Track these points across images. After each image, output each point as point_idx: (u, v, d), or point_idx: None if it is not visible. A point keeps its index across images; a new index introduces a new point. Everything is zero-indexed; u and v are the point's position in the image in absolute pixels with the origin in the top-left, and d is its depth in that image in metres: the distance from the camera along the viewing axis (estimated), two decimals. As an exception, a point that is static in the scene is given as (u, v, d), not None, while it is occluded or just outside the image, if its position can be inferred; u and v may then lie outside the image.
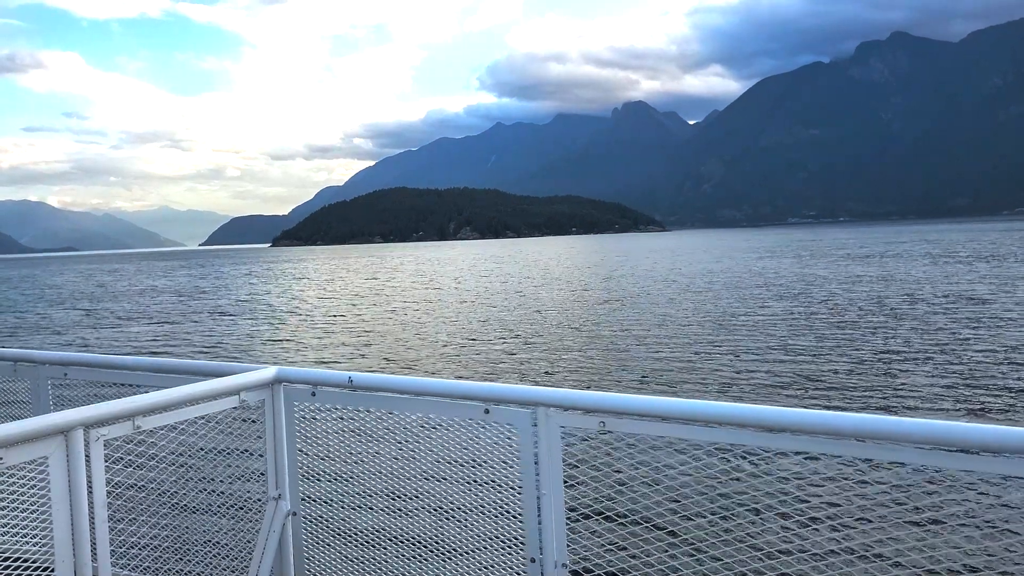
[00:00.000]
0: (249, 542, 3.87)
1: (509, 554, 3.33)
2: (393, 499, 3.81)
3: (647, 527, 3.61)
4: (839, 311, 33.36)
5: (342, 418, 3.84)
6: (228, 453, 3.86)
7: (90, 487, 3.15)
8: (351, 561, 3.81)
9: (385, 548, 3.72)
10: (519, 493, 3.29)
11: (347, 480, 3.89)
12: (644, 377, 20.02)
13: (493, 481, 3.36)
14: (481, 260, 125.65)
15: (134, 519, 3.57)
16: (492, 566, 3.38)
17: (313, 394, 3.83)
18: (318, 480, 3.92)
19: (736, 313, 33.98)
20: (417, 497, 3.73)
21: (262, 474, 3.91)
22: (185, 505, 3.82)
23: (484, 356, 24.79)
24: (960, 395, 16.57)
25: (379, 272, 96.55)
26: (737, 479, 3.51)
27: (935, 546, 2.98)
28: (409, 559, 3.63)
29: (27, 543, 3.03)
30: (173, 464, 3.64)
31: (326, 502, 3.91)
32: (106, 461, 3.24)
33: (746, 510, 3.77)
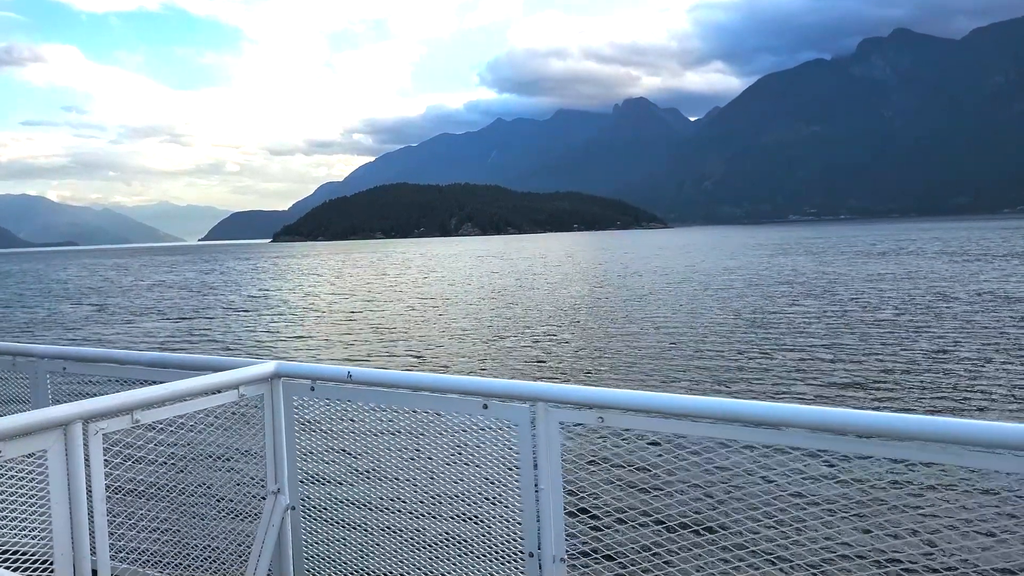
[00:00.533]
0: (248, 536, 3.86)
1: (507, 548, 3.34)
2: (391, 494, 3.82)
3: (644, 522, 3.63)
4: (843, 308, 33.15)
5: (341, 413, 3.84)
6: (227, 447, 3.85)
7: (89, 481, 3.14)
8: (350, 555, 3.82)
9: (383, 542, 3.73)
10: (517, 487, 3.30)
11: (346, 475, 3.90)
12: (643, 372, 19.95)
13: (491, 476, 3.37)
14: (482, 256, 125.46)
15: (132, 513, 3.57)
16: (490, 560, 3.40)
17: (312, 388, 3.84)
18: (317, 475, 3.93)
19: (740, 309, 33.87)
20: (415, 491, 3.74)
21: (261, 468, 3.91)
22: (184, 499, 3.82)
23: (483, 351, 24.75)
24: (977, 393, 16.36)
25: (379, 268, 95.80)
26: (735, 475, 3.52)
27: (932, 542, 3.00)
28: (407, 553, 3.65)
29: (26, 537, 3.02)
30: (172, 458, 3.64)
31: (325, 497, 3.91)
32: (105, 455, 3.24)
33: (743, 505, 3.76)
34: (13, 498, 2.97)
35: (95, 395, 3.33)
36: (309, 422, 3.91)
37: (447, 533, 3.53)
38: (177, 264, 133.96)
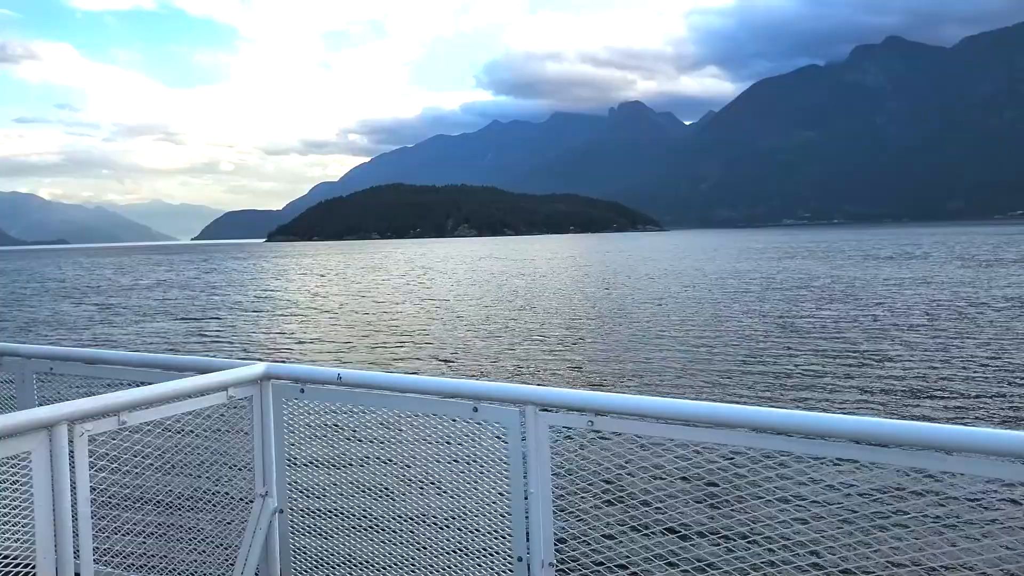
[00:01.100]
0: (235, 539, 3.81)
1: (496, 552, 3.32)
2: (380, 497, 3.77)
3: (634, 526, 3.61)
4: (839, 312, 33.21)
5: (331, 415, 3.80)
6: (215, 450, 3.80)
7: (73, 484, 3.09)
8: (338, 559, 3.78)
9: (372, 545, 3.69)
10: (507, 491, 3.27)
11: (335, 478, 3.86)
12: (635, 376, 19.84)
13: (481, 479, 3.35)
14: (477, 257, 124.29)
15: (118, 516, 3.50)
16: (479, 564, 3.37)
17: (302, 391, 3.79)
18: (306, 478, 3.88)
19: (735, 313, 33.87)
20: (404, 495, 3.71)
21: (249, 471, 3.86)
22: (170, 502, 3.76)
23: (474, 353, 24.62)
24: (968, 398, 16.43)
25: (373, 269, 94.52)
26: (725, 479, 3.52)
27: (920, 547, 2.99)
28: (396, 557, 3.60)
29: (8, 540, 2.97)
30: (158, 460, 3.57)
31: (313, 500, 3.86)
32: (90, 457, 3.19)
33: (732, 510, 3.72)
34: None
35: (82, 396, 3.28)
36: (298, 424, 3.86)
37: (436, 536, 3.50)
38: (169, 263, 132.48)
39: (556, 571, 3.24)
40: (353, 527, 3.76)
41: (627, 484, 3.74)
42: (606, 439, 3.28)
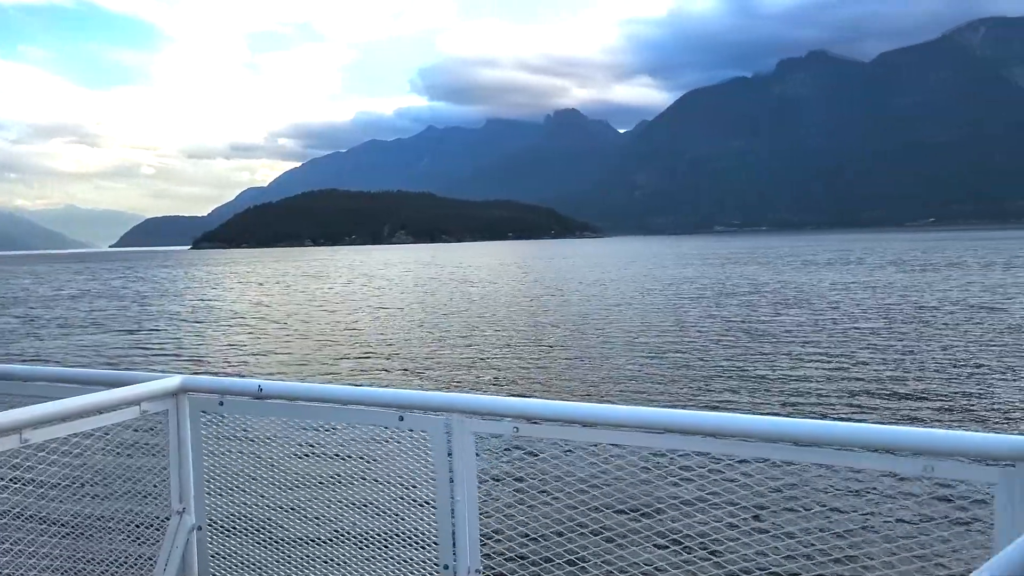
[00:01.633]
0: (150, 560, 3.64)
1: (422, 561, 3.28)
2: (304, 510, 3.72)
3: (559, 531, 3.61)
4: (762, 315, 34.67)
5: (252, 428, 3.70)
6: (127, 467, 3.65)
7: None
8: (260, 574, 3.68)
9: (296, 560, 3.61)
10: (432, 500, 3.26)
11: (257, 491, 3.76)
12: (560, 382, 20.20)
13: (406, 488, 3.33)
14: (412, 264, 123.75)
15: (20, 539, 3.31)
16: (405, 574, 3.34)
17: (221, 403, 3.67)
18: (226, 492, 3.75)
19: (658, 318, 34.96)
20: (329, 507, 3.66)
21: (165, 488, 3.70)
22: (78, 524, 3.57)
23: (399, 363, 24.65)
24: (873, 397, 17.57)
25: (302, 276, 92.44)
26: (648, 481, 3.54)
27: (824, 539, 3.11)
28: (320, 570, 3.54)
29: None
30: (65, 480, 3.39)
31: (234, 515, 3.74)
32: None
33: (653, 511, 3.77)
34: None
35: None
36: (217, 438, 3.73)
37: (361, 548, 3.46)
38: (84, 272, 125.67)
39: None
40: (276, 542, 3.69)
41: (552, 489, 3.76)
42: (531, 445, 3.30)
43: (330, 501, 3.65)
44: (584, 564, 3.31)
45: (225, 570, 3.74)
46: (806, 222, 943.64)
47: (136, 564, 3.62)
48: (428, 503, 3.26)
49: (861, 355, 23.45)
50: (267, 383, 3.58)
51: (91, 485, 3.56)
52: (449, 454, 3.19)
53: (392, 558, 3.36)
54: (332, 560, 3.51)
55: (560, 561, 3.37)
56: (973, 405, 16.74)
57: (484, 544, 3.23)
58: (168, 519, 3.70)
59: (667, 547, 3.41)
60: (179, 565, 3.67)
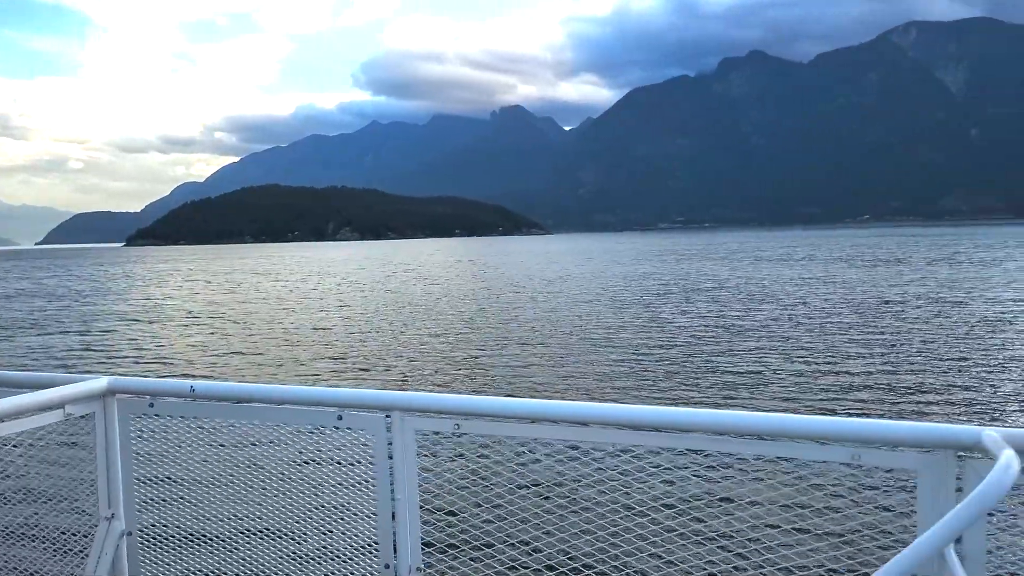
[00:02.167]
0: (78, 568, 3.53)
1: (363, 561, 3.26)
2: (241, 512, 3.58)
3: (500, 526, 3.62)
4: (701, 309, 35.85)
5: (184, 430, 3.58)
6: (51, 473, 3.54)
7: None
8: None
9: (232, 565, 3.51)
10: (373, 499, 3.22)
11: (190, 496, 3.64)
12: (501, 379, 20.38)
13: (346, 488, 3.29)
14: (355, 261, 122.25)
15: None
16: (346, 574, 3.31)
17: (151, 405, 3.55)
18: (157, 497, 3.64)
19: (598, 314, 35.37)
20: (267, 509, 3.56)
21: (93, 493, 3.58)
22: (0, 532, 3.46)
23: (339, 361, 24.30)
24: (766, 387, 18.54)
25: (240, 274, 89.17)
26: (588, 475, 3.51)
27: (756, 527, 3.17)
28: (259, 573, 3.47)
29: None
30: None
31: (166, 520, 3.61)
32: None
33: (593, 503, 3.74)
34: None
35: None
36: (148, 441, 3.59)
37: (301, 550, 3.41)
38: (7, 271, 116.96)
39: None
40: (210, 547, 3.58)
41: (494, 485, 3.76)
42: (473, 442, 3.33)
43: (267, 504, 3.55)
44: (527, 559, 3.34)
45: (158, 574, 3.61)
46: (747, 219, 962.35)
47: (64, 573, 3.51)
48: (368, 502, 3.22)
49: (802, 347, 24.41)
50: (200, 383, 3.49)
51: (13, 492, 3.46)
52: (390, 452, 3.15)
53: (332, 560, 3.31)
54: (270, 564, 3.45)
55: (502, 556, 3.38)
56: (902, 395, 17.51)
57: (426, 542, 3.21)
58: (96, 526, 3.57)
59: (606, 539, 3.34)
60: (109, 573, 3.54)
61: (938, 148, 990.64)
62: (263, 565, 3.46)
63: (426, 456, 3.27)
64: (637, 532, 3.25)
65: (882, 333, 27.19)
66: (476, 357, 24.22)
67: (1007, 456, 1.86)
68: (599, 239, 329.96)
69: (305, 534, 3.40)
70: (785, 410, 15.40)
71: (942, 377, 19.41)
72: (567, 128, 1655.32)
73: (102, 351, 28.25)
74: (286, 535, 3.45)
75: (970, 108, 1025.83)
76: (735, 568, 3.14)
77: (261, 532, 3.52)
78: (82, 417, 3.50)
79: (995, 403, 16.60)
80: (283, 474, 3.51)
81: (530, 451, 3.24)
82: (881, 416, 15.34)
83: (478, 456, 3.56)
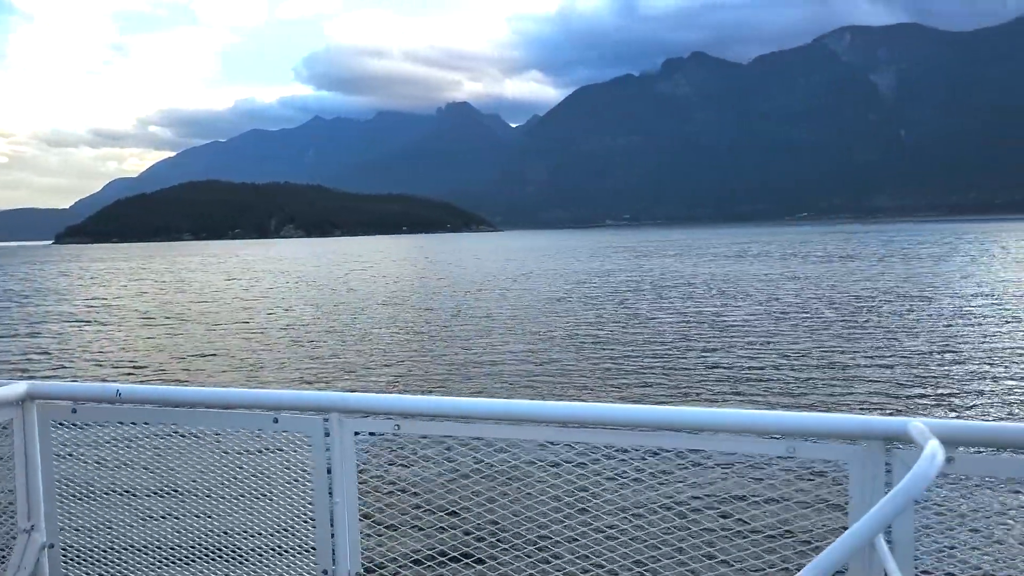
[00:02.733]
0: None
1: (301, 566, 3.18)
2: (171, 523, 3.41)
3: (441, 527, 3.63)
4: (637, 308, 35.86)
5: (110, 436, 3.42)
6: None
7: None
8: None
9: (163, 574, 3.38)
10: (310, 503, 3.15)
11: (116, 505, 3.47)
12: (441, 378, 20.27)
13: (284, 493, 3.20)
14: (295, 259, 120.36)
15: None
16: None
17: (74, 411, 3.38)
18: (81, 507, 3.45)
19: (536, 311, 35.47)
20: (198, 518, 3.41)
21: (11, 505, 3.39)
22: None
23: (275, 362, 23.73)
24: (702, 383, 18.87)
25: (174, 272, 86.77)
26: (530, 474, 3.52)
27: (698, 522, 3.21)
28: None
29: None
30: None
31: (90, 531, 3.45)
32: None
33: (535, 503, 3.72)
34: None
35: None
36: (71, 448, 3.43)
37: (236, 558, 3.31)
38: None
39: None
40: (140, 558, 3.42)
41: (434, 486, 3.71)
42: (414, 443, 3.26)
43: (199, 512, 3.39)
44: (467, 560, 3.30)
45: None
46: (692, 216, 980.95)
47: None
48: (306, 507, 3.16)
49: (745, 341, 24.99)
50: (126, 387, 3.33)
51: None
52: (328, 455, 3.09)
53: (269, 566, 3.23)
54: (202, 573, 3.34)
55: (443, 558, 3.34)
56: (840, 387, 17.97)
57: (365, 546, 3.17)
58: (15, 539, 3.41)
59: (548, 538, 3.35)
60: None
61: (870, 149, 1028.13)
62: (198, 572, 3.35)
63: (366, 457, 3.22)
64: (579, 530, 3.24)
65: (824, 326, 28.04)
66: (419, 356, 23.83)
67: (932, 446, 1.90)
68: (550, 236, 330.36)
69: (241, 542, 3.31)
70: (724, 404, 16.18)
71: (878, 368, 20.06)
72: (514, 125, 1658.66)
73: (22, 355, 26.70)
74: (220, 543, 3.35)
75: (900, 110, 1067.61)
76: (675, 563, 3.11)
77: (193, 541, 3.38)
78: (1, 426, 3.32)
79: (926, 393, 17.24)
80: (216, 481, 3.38)
81: (473, 451, 3.13)
82: (817, 409, 15.71)
83: (419, 457, 3.50)
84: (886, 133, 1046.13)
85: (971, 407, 16.01)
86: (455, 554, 3.33)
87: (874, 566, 2.01)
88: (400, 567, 3.36)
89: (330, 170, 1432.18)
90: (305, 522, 3.16)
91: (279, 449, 3.17)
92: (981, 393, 17.19)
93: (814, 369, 20.27)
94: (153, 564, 3.40)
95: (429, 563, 3.36)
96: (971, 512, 2.65)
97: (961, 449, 2.27)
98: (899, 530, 2.36)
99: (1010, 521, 3.11)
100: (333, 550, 3.11)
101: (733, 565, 3.00)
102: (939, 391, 17.43)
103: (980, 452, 2.37)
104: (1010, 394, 17.05)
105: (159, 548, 3.41)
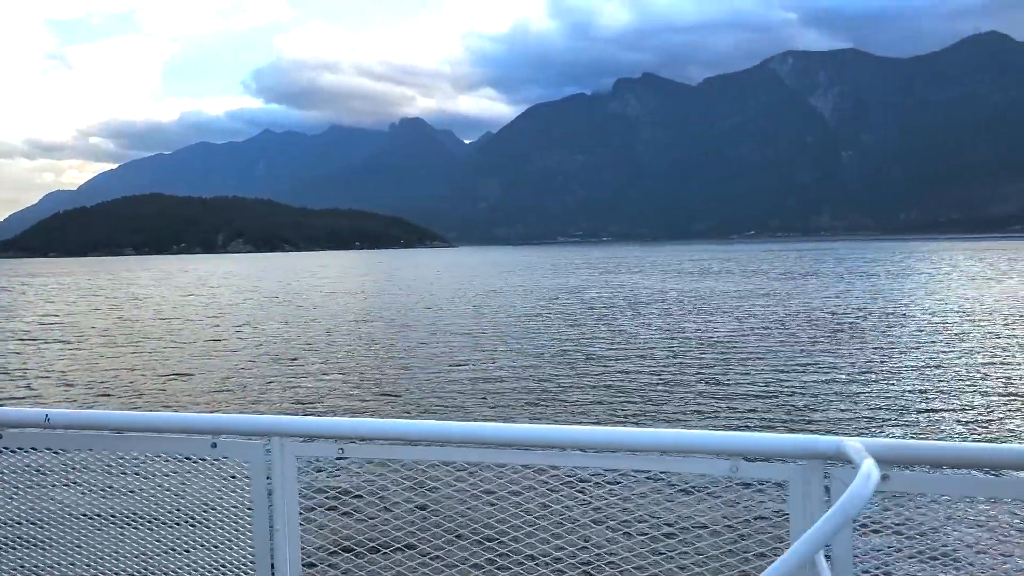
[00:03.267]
0: None
1: None
2: (105, 552, 3.25)
3: (386, 552, 3.52)
4: (583, 326, 35.86)
5: (39, 464, 3.23)
6: None
7: None
8: None
9: None
10: (250, 531, 3.04)
11: (46, 535, 3.28)
12: (385, 400, 20.07)
13: (222, 521, 3.08)
14: (242, 275, 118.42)
15: None
16: None
17: (0, 437, 3.20)
18: (6, 539, 3.30)
19: (485, 331, 34.95)
20: (134, 547, 3.25)
21: None
22: None
23: (215, 384, 23.11)
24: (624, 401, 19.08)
25: (113, 290, 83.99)
26: (476, 496, 3.47)
27: (643, 543, 3.21)
28: None
29: None
30: None
31: (18, 564, 3.29)
32: None
33: (481, 526, 3.67)
34: None
35: None
36: None
37: None
38: None
39: None
40: None
41: (379, 510, 3.62)
42: (358, 466, 3.30)
43: (134, 542, 3.23)
44: None
45: None
46: (643, 234, 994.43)
47: None
48: (245, 536, 3.06)
49: (692, 360, 25.11)
50: (56, 412, 3.17)
51: None
52: (269, 481, 2.99)
53: None
54: None
55: None
56: (783, 406, 18.17)
57: (307, 573, 3.10)
58: None
59: (495, 561, 3.29)
60: None
61: (813, 169, 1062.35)
62: None
63: (308, 483, 3.15)
64: (526, 553, 3.21)
65: (772, 345, 28.30)
66: (365, 377, 23.37)
67: (867, 465, 1.93)
68: (505, 252, 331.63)
69: (177, 572, 3.17)
70: (670, 424, 16.18)
71: (822, 387, 20.42)
72: (467, 142, 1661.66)
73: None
74: (157, 572, 3.20)
75: (840, 133, 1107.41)
76: None
77: (128, 571, 3.23)
78: None
79: (867, 411, 17.54)
80: (152, 509, 3.23)
81: (418, 475, 3.12)
82: (761, 428, 16.09)
83: (363, 480, 3.46)
84: (828, 154, 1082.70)
85: (910, 425, 16.28)
86: None
87: None
88: None
89: (280, 184, 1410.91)
90: (245, 550, 3.06)
91: (218, 475, 3.07)
92: (920, 411, 17.50)
93: (760, 387, 20.39)
94: None
95: None
96: (908, 528, 2.70)
97: (896, 467, 2.32)
98: (838, 547, 2.39)
99: (946, 536, 3.19)
100: None
101: None
102: (879, 409, 17.69)
103: (915, 470, 2.42)
104: (947, 412, 17.40)
105: None
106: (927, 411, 17.58)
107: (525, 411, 18.30)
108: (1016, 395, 19.03)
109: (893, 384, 20.65)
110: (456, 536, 3.79)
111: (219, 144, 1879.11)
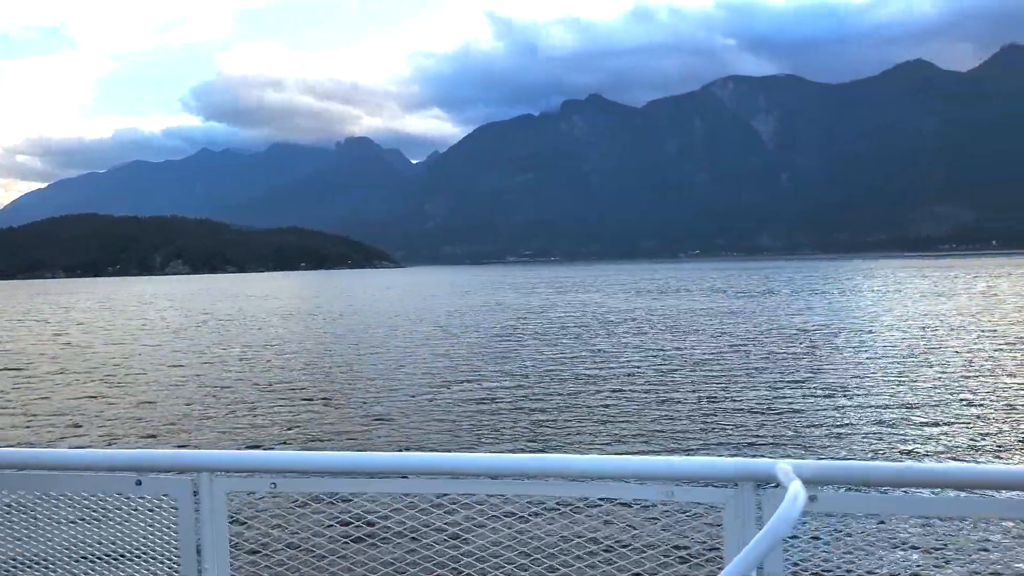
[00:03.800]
0: None
1: None
2: None
3: None
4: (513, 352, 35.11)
5: None
6: None
7: None
8: None
9: None
10: (178, 572, 2.88)
11: None
12: (319, 432, 19.71)
13: (148, 563, 2.91)
14: (176, 297, 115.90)
15: None
16: None
17: None
18: None
19: (425, 357, 34.12)
20: None
21: None
22: None
23: (138, 418, 22.52)
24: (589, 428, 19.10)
25: (29, 316, 79.79)
26: (415, 528, 3.41)
27: (582, 571, 3.13)
28: None
29: None
30: None
31: None
32: None
33: (419, 558, 3.62)
34: None
35: None
36: None
37: None
38: None
39: None
40: None
41: (314, 546, 3.58)
42: (292, 501, 3.09)
43: None
44: None
45: None
46: (591, 253, 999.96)
47: None
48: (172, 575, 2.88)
49: (628, 385, 24.97)
50: None
51: None
52: (197, 519, 2.83)
53: None
54: None
55: None
56: (719, 429, 18.22)
57: None
58: None
59: None
60: None
61: (754, 190, 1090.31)
62: None
63: (240, 520, 3.03)
64: None
65: (707, 367, 28.18)
66: (296, 409, 22.67)
67: (795, 487, 1.97)
68: (456, 272, 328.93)
69: None
70: (606, 450, 16.44)
71: (756, 409, 20.41)
72: (414, 161, 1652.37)
73: None
74: None
75: (779, 155, 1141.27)
76: None
77: None
78: None
79: (799, 433, 17.62)
80: (73, 550, 3.03)
81: (355, 508, 2.99)
82: (700, 450, 16.16)
83: (298, 516, 3.38)
84: (768, 176, 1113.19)
85: (839, 446, 16.44)
86: None
87: None
88: None
89: (221, 203, 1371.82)
90: None
91: (142, 514, 2.90)
92: (850, 432, 17.74)
93: (706, 407, 20.70)
94: None
95: None
96: (839, 547, 2.72)
97: (825, 488, 2.35)
98: (771, 568, 2.43)
99: (876, 553, 3.27)
100: None
101: None
102: (811, 431, 18.03)
103: (842, 490, 2.46)
104: (876, 431, 17.68)
105: None
106: (858, 431, 17.86)
107: (461, 439, 18.23)
108: (952, 413, 19.48)
109: (836, 404, 20.98)
110: (396, 571, 3.73)
111: (156, 162, 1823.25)
